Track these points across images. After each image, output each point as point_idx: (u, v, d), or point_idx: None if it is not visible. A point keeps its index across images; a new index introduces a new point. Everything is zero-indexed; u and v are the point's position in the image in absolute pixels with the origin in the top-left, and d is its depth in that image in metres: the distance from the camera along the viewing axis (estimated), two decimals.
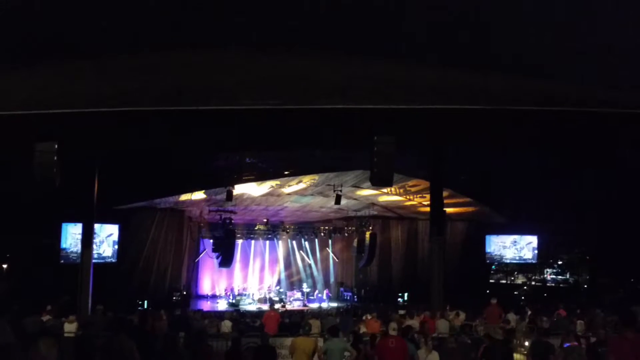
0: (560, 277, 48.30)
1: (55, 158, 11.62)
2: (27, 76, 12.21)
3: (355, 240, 33.95)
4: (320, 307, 30.47)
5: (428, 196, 22.71)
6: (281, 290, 34.91)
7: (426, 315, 17.83)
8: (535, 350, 12.58)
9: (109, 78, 11.92)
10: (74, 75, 12.18)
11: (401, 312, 20.23)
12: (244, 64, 11.32)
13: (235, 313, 22.64)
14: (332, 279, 37.98)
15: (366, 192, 27.94)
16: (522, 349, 16.48)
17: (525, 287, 45.57)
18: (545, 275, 48.55)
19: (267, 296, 32.26)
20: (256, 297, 32.54)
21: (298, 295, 33.36)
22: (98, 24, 11.00)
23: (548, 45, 9.89)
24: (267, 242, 36.79)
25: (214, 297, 33.50)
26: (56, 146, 11.66)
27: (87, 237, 19.71)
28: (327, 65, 11.25)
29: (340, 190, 25.80)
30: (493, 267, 39.52)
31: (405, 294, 31.79)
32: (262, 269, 36.91)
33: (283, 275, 37.33)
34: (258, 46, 10.89)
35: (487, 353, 12.27)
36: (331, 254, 37.95)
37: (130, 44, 11.44)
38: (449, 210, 25.27)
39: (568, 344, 11.91)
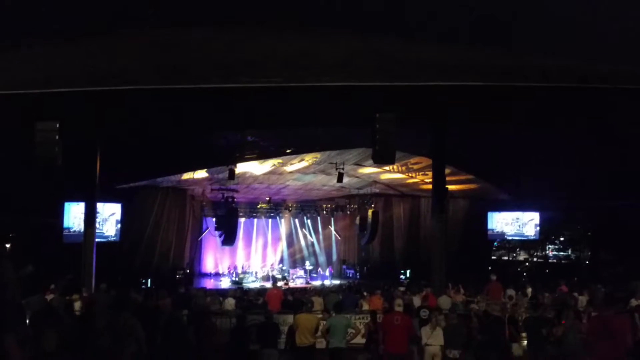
0: (562, 253, 48.49)
1: (57, 137, 11.62)
2: (28, 55, 12.18)
3: (358, 218, 34.01)
4: (322, 285, 30.60)
5: (430, 173, 22.72)
6: (284, 268, 35.09)
7: (428, 291, 17.93)
8: (528, 325, 12.71)
9: (110, 56, 11.89)
10: (74, 54, 12.14)
11: (401, 288, 20.35)
12: (245, 41, 11.28)
13: (239, 291, 22.75)
14: (334, 257, 38.14)
15: (368, 170, 27.93)
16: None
17: (527, 264, 45.77)
18: (547, 252, 48.73)
19: (270, 274, 32.45)
20: (259, 275, 32.76)
21: (301, 272, 33.55)
22: (99, 2, 10.95)
23: (550, 21, 9.84)
24: (270, 220, 36.93)
25: (217, 275, 33.69)
26: (57, 125, 11.65)
27: (90, 216, 19.76)
28: (328, 42, 11.20)
29: (343, 169, 25.79)
30: (495, 243, 39.64)
31: (408, 271, 31.92)
32: (265, 247, 37.07)
33: (286, 253, 37.51)
34: (258, 23, 10.84)
35: (482, 328, 12.38)
36: (333, 232, 38.07)
37: (131, 21, 11.39)
38: (451, 187, 25.23)
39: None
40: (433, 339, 11.61)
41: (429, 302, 15.79)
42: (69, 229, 22.60)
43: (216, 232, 29.74)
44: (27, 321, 11.77)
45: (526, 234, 30.37)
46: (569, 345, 11.35)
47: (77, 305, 15.49)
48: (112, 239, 24.40)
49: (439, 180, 20.26)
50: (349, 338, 12.20)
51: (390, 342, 11.23)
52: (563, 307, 14.04)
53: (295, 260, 37.35)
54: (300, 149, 22.96)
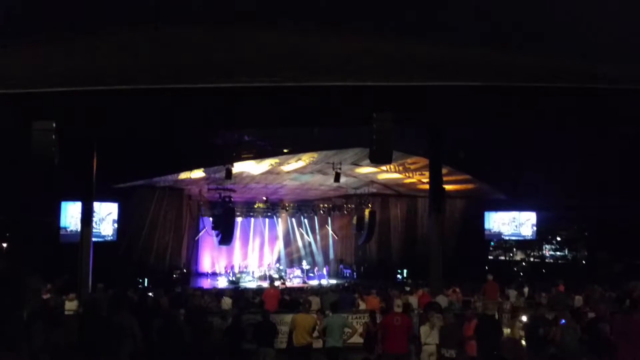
0: (558, 253, 48.57)
1: (54, 136, 11.59)
2: (26, 55, 12.17)
3: (355, 217, 33.98)
4: (320, 284, 30.58)
5: (427, 173, 22.73)
6: (281, 267, 35.05)
7: (424, 291, 17.96)
8: (527, 325, 12.71)
9: (107, 56, 11.88)
10: (72, 53, 12.13)
11: (407, 288, 20.36)
12: (243, 40, 11.29)
13: (235, 290, 22.73)
14: (331, 256, 38.10)
15: (365, 169, 27.95)
16: (520, 324, 16.60)
17: (524, 264, 45.80)
18: (544, 252, 48.80)
19: (267, 273, 32.40)
20: (256, 275, 32.70)
21: (298, 272, 33.49)
22: (97, 1, 10.94)
23: (549, 20, 9.85)
24: (267, 220, 36.87)
25: (214, 274, 33.62)
26: (54, 124, 11.63)
27: (87, 216, 19.71)
28: (326, 42, 11.21)
29: (340, 168, 25.79)
30: (492, 243, 39.64)
31: (405, 271, 31.93)
32: (261, 246, 37.01)
33: (283, 253, 37.46)
34: (256, 23, 10.84)
35: (478, 328, 12.39)
36: (330, 232, 38.04)
37: (128, 21, 11.39)
38: (448, 187, 25.24)
39: (564, 321, 12.01)
40: (431, 338, 11.63)
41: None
42: (65, 228, 22.58)
43: (213, 231, 29.70)
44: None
45: (523, 233, 30.43)
46: (567, 346, 11.37)
47: (74, 304, 15.50)
48: (109, 238, 24.38)
49: (436, 180, 20.27)
50: (345, 338, 12.19)
51: (390, 342, 11.24)
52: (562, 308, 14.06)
53: (292, 259, 37.30)
54: (297, 149, 22.96)
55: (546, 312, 13.41)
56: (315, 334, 12.25)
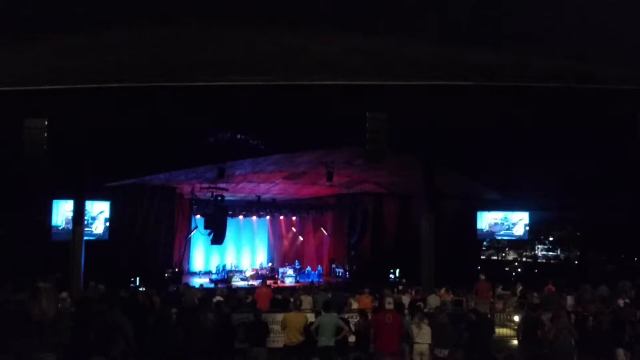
0: (551, 253, 48.67)
1: (45, 134, 11.56)
2: (16, 52, 12.09)
3: (348, 217, 33.91)
4: (312, 284, 30.54)
5: (420, 173, 22.71)
6: (273, 266, 35.01)
7: (417, 291, 17.99)
8: (526, 324, 12.74)
9: (99, 54, 11.82)
10: (64, 51, 12.06)
11: (398, 288, 20.38)
12: (236, 39, 11.24)
13: (227, 289, 22.67)
14: (324, 256, 38.05)
15: (358, 169, 27.88)
16: (512, 324, 16.68)
17: (516, 264, 45.93)
18: (537, 252, 48.90)
19: (259, 272, 32.35)
20: (248, 274, 32.63)
21: (290, 271, 33.42)
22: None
23: (546, 20, 9.85)
24: (259, 219, 36.82)
25: (206, 273, 33.58)
26: (46, 122, 11.59)
27: (78, 214, 19.66)
28: (320, 41, 11.18)
29: (333, 167, 25.72)
30: (484, 243, 39.68)
31: (397, 270, 31.90)
32: (253, 245, 37.00)
33: (275, 252, 37.42)
34: (249, 22, 10.80)
35: (472, 327, 12.43)
36: (323, 231, 37.98)
37: (120, 18, 11.32)
38: (440, 187, 25.24)
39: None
40: (421, 337, 11.66)
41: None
42: (57, 227, 22.46)
43: (205, 230, 29.64)
44: None
45: (515, 234, 30.41)
46: (561, 347, 11.40)
47: (66, 303, 15.44)
48: (101, 237, 24.27)
49: (429, 180, 20.30)
50: (338, 337, 12.18)
51: (381, 340, 11.25)
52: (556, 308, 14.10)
53: (284, 259, 37.27)
54: (290, 148, 22.87)
55: (540, 312, 13.47)
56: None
